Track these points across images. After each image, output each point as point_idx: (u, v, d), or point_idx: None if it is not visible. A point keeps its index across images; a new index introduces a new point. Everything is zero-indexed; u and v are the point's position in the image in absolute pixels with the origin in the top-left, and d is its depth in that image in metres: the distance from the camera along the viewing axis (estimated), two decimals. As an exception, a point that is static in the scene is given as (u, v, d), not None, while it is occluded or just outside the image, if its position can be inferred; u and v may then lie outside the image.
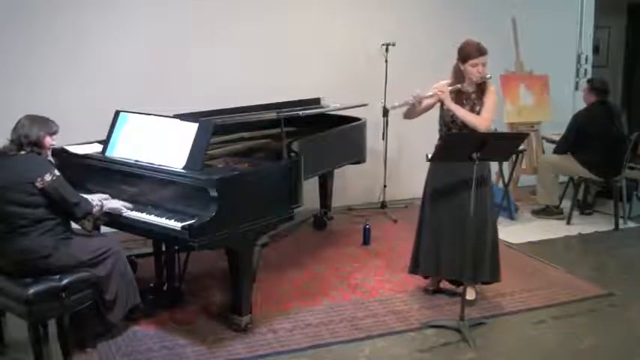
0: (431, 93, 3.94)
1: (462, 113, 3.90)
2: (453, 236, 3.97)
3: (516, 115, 6.39)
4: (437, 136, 4.08)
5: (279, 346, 3.58)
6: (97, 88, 5.16)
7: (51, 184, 3.20)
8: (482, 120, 3.90)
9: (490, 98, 3.96)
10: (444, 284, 4.32)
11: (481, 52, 3.89)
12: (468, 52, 3.90)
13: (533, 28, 6.64)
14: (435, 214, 4.06)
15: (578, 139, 5.82)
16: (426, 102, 4.00)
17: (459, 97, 3.97)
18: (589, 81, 6.16)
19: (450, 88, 3.94)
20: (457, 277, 4.07)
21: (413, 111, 4.05)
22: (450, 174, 3.97)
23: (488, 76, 3.94)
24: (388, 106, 4.30)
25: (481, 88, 3.96)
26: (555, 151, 6.15)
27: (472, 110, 3.96)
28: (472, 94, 3.98)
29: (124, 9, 5.26)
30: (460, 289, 4.20)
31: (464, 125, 3.92)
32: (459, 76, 3.97)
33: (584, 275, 4.69)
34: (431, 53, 6.13)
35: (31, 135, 3.25)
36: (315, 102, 5.43)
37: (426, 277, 4.32)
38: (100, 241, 3.46)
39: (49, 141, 3.33)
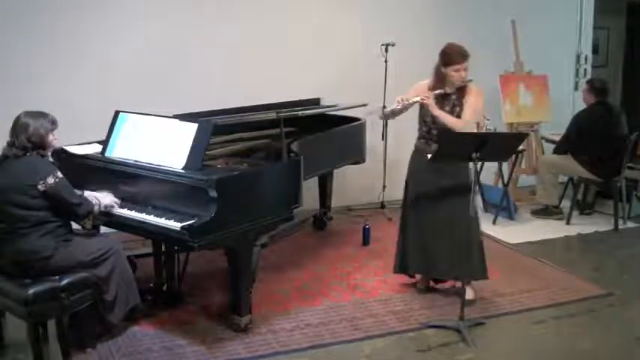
0: (416, 99, 3.95)
1: (443, 117, 3.93)
2: (436, 236, 4.05)
3: (516, 115, 6.39)
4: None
5: (279, 346, 3.58)
6: (97, 89, 5.16)
7: (53, 187, 3.20)
8: (462, 122, 3.92)
9: (471, 100, 3.98)
10: (432, 283, 4.37)
11: (464, 57, 3.90)
12: (451, 57, 3.91)
13: (532, 28, 6.64)
14: (417, 216, 4.13)
15: (578, 139, 5.83)
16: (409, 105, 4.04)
17: (439, 98, 3.99)
18: (589, 81, 6.15)
19: (435, 93, 3.95)
20: (444, 276, 4.18)
21: (394, 113, 4.09)
22: (433, 177, 4.04)
23: (469, 79, 3.96)
24: (380, 116, 4.38)
25: (461, 88, 3.98)
26: (555, 152, 6.15)
27: (452, 111, 3.99)
28: (452, 95, 4.00)
29: (124, 9, 5.26)
30: (445, 285, 4.33)
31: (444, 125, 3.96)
32: (440, 78, 3.99)
33: (584, 275, 4.69)
34: (430, 53, 6.04)
35: (34, 136, 3.24)
36: (315, 102, 5.43)
37: (411, 276, 4.37)
38: (100, 242, 3.46)
39: (51, 138, 3.33)
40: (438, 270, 4.15)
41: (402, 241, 4.24)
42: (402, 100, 3.94)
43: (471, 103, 3.97)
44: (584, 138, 5.78)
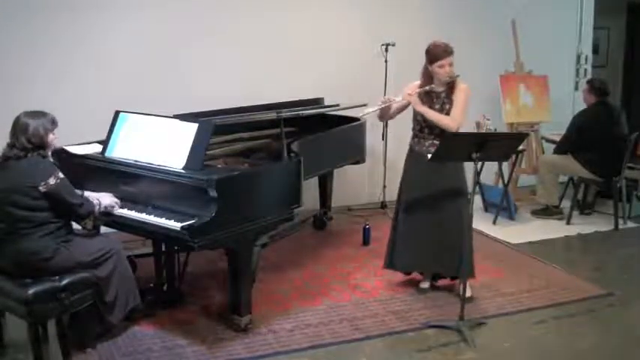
0: (400, 97, 3.99)
1: (431, 116, 3.96)
2: (427, 235, 4.09)
3: (516, 115, 6.39)
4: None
5: (279, 346, 3.58)
6: (97, 88, 5.16)
7: (55, 188, 3.19)
8: (452, 120, 3.95)
9: (459, 96, 4.00)
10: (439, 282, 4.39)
11: (448, 53, 3.93)
12: (435, 54, 3.94)
13: (533, 28, 6.64)
14: (410, 214, 4.15)
15: (578, 139, 5.83)
16: (397, 104, 4.08)
17: (429, 96, 4.02)
18: (589, 82, 6.15)
19: (419, 90, 3.98)
20: (439, 271, 4.24)
21: (386, 113, 4.15)
22: (427, 176, 4.05)
23: (456, 74, 3.98)
24: (360, 113, 4.42)
25: (450, 86, 4.01)
26: (556, 152, 6.15)
27: (442, 109, 4.01)
28: (442, 93, 4.02)
29: (124, 8, 5.26)
30: (441, 283, 4.36)
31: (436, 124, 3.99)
32: (427, 76, 4.02)
33: (584, 275, 4.69)
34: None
35: (34, 137, 3.22)
36: (315, 102, 5.43)
37: (406, 274, 4.42)
38: (100, 242, 3.45)
39: (52, 138, 3.32)
40: (428, 268, 4.23)
41: (392, 238, 4.28)
42: (387, 100, 3.99)
43: (460, 100, 4.00)
44: (584, 138, 5.78)
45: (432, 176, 4.04)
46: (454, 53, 3.94)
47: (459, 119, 3.96)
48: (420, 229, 4.12)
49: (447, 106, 4.01)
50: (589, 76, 7.14)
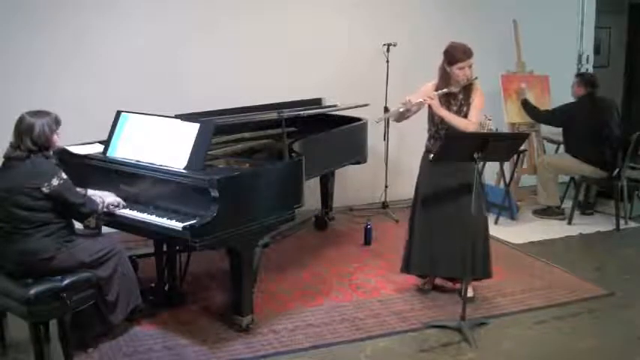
0: (420, 100, 3.96)
1: (450, 118, 3.94)
2: (444, 236, 4.04)
3: (517, 115, 6.39)
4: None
5: (281, 346, 3.59)
6: (97, 88, 5.16)
7: (57, 189, 3.17)
8: (470, 123, 3.95)
9: (477, 98, 4.00)
10: (439, 281, 4.37)
11: (467, 55, 3.91)
12: (455, 56, 3.91)
13: (534, 28, 6.64)
14: (426, 215, 4.12)
15: (566, 129, 5.84)
16: (415, 107, 4.05)
17: (446, 98, 4.00)
18: (577, 75, 6.23)
19: (439, 92, 3.95)
20: (451, 274, 4.18)
21: (403, 116, 4.10)
22: (441, 176, 4.03)
23: (474, 77, 3.96)
24: (376, 118, 4.41)
25: (467, 87, 3.99)
26: (533, 117, 6.20)
27: (459, 110, 4.00)
28: (459, 95, 4.00)
29: (124, 8, 5.26)
30: (454, 284, 4.32)
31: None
32: (445, 77, 3.99)
33: (585, 275, 4.69)
34: (432, 53, 6.04)
35: (40, 138, 3.20)
36: (316, 102, 5.43)
37: (419, 276, 4.38)
38: (102, 243, 3.45)
39: (55, 139, 3.31)
40: (442, 269, 4.17)
41: (409, 242, 4.24)
42: (407, 102, 3.95)
43: (476, 103, 3.99)
44: (572, 129, 5.80)
45: (449, 177, 4.01)
46: (473, 55, 3.91)
47: (475, 122, 3.97)
48: (437, 230, 4.07)
49: (465, 108, 3.99)
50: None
